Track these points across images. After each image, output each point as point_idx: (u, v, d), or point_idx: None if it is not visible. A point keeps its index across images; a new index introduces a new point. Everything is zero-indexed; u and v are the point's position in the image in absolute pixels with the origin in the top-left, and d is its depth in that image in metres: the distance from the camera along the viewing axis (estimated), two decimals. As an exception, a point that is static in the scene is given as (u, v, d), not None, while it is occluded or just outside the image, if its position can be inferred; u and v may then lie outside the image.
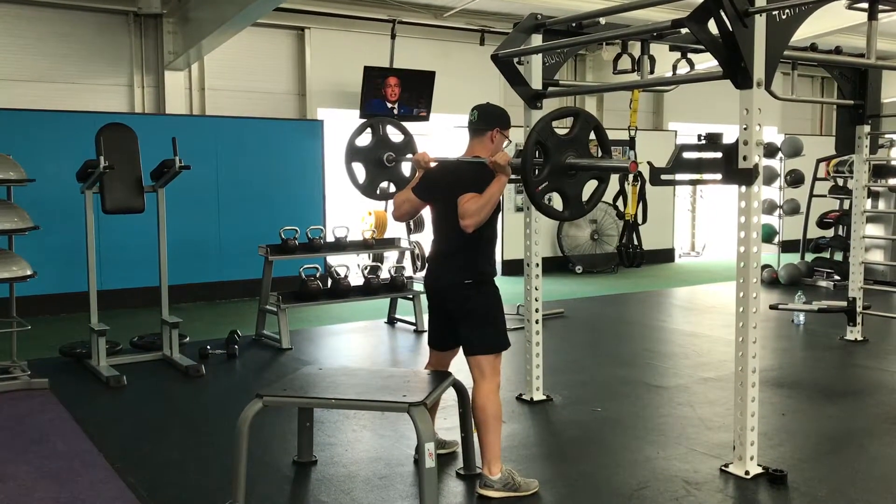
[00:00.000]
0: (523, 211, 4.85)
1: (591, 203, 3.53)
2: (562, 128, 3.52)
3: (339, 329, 7.46)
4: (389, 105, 9.99)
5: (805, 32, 5.79)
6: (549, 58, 4.87)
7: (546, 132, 3.30)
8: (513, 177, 3.52)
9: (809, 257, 10.20)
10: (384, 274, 7.46)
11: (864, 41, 5.67)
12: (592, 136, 3.47)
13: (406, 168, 4.51)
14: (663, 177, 3.63)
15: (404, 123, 4.79)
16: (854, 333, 6.59)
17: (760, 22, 3.46)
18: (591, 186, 3.49)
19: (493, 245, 3.67)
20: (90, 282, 5.72)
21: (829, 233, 10.14)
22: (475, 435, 3.72)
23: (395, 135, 4.62)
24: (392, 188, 4.56)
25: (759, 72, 3.50)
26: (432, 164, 3.81)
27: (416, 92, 10.12)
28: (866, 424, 4.52)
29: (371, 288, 7.08)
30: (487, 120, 3.66)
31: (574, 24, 4.77)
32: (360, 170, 4.54)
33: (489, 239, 3.63)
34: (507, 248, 10.43)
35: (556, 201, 3.59)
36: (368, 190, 4.59)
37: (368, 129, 4.52)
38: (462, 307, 3.55)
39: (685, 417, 4.62)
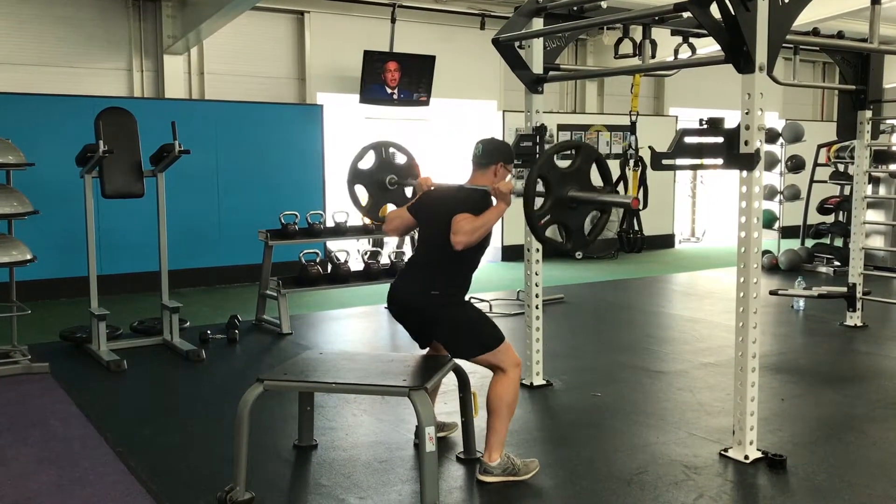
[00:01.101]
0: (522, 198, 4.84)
1: (593, 234, 3.55)
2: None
3: (340, 314, 7.46)
4: (389, 90, 9.97)
5: (807, 17, 5.77)
6: (550, 42, 4.85)
7: (548, 166, 3.32)
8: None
9: (810, 243, 10.19)
10: (384, 259, 7.47)
11: (866, 26, 5.64)
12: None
13: (409, 190, 4.51)
14: (664, 162, 3.62)
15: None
16: (854, 319, 6.59)
17: (763, 6, 3.44)
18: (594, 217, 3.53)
19: (470, 271, 3.64)
20: (90, 266, 5.72)
21: (830, 218, 10.12)
22: (476, 419, 3.73)
23: (398, 156, 4.61)
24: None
25: (761, 56, 3.48)
26: (433, 188, 3.82)
27: (417, 76, 10.09)
28: (865, 410, 4.53)
29: (371, 273, 7.08)
30: (491, 154, 3.67)
31: (575, 8, 4.75)
32: (362, 192, 4.54)
33: (471, 263, 3.60)
34: (507, 233, 10.43)
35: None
36: (372, 213, 4.60)
37: (371, 152, 4.52)
38: (427, 316, 3.51)
39: (685, 402, 4.63)
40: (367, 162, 4.47)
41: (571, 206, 3.39)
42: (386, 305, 3.69)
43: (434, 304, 3.49)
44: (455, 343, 3.53)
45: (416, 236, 3.78)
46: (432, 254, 3.59)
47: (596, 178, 3.46)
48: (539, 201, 3.36)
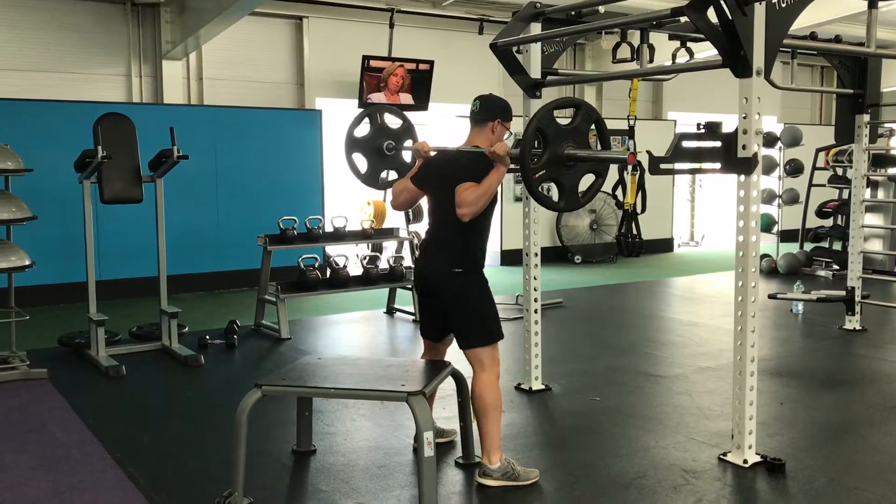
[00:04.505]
0: (522, 201, 4.84)
1: (587, 196, 3.52)
2: (563, 117, 3.50)
3: (338, 319, 7.46)
4: (387, 95, 9.97)
5: (805, 21, 5.77)
6: (548, 46, 4.85)
7: (547, 120, 3.29)
8: (512, 166, 3.52)
9: (808, 247, 10.20)
10: (383, 264, 7.46)
11: (863, 30, 5.65)
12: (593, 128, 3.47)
13: (407, 155, 4.49)
14: (662, 166, 3.62)
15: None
16: (853, 323, 6.59)
17: (760, 10, 3.44)
18: (588, 180, 3.48)
19: (485, 236, 3.66)
20: (88, 272, 5.71)
21: (829, 222, 10.14)
22: (474, 424, 3.73)
23: (393, 122, 4.60)
24: (394, 176, 4.54)
25: (758, 60, 3.49)
26: (432, 153, 3.80)
27: (415, 81, 10.09)
28: (864, 413, 4.53)
29: (370, 278, 7.08)
30: (490, 110, 3.67)
31: (573, 13, 4.75)
32: (360, 160, 4.52)
33: (482, 230, 3.62)
34: (507, 238, 10.43)
35: (554, 193, 3.58)
36: (371, 180, 4.57)
37: (366, 119, 4.50)
38: (451, 296, 3.54)
39: (684, 406, 4.63)
40: (363, 130, 4.45)
41: (568, 165, 3.37)
42: (411, 286, 3.68)
43: (459, 283, 3.52)
44: (467, 328, 3.55)
45: (428, 212, 3.75)
46: (445, 231, 3.59)
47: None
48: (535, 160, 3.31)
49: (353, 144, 4.45)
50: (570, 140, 3.36)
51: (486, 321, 3.56)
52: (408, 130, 4.53)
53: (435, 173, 3.67)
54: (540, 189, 3.41)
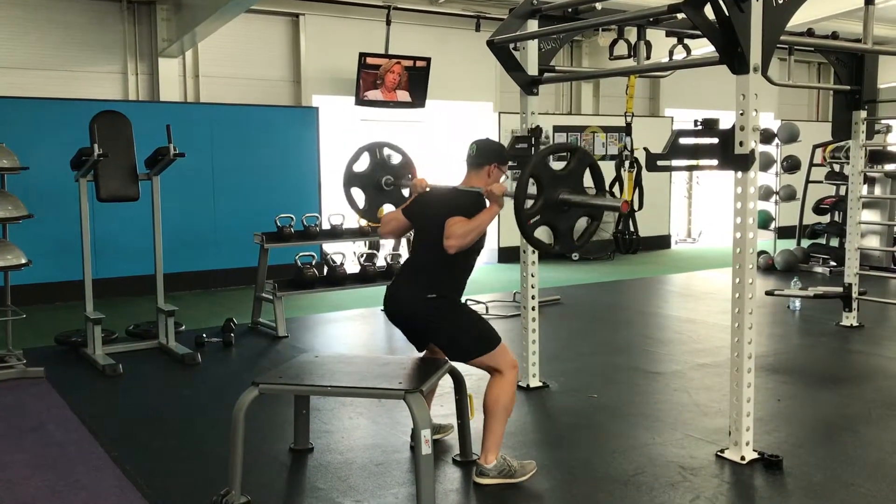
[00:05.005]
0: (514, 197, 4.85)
1: (581, 239, 3.53)
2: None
3: (336, 317, 7.46)
4: (384, 92, 9.96)
5: (802, 17, 5.76)
6: (545, 43, 4.85)
7: (541, 167, 3.31)
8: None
9: (806, 243, 10.20)
10: (380, 261, 7.45)
11: (860, 26, 5.65)
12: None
13: (406, 191, 4.50)
14: (659, 163, 3.62)
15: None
16: (850, 319, 6.60)
17: (757, 7, 3.44)
18: (583, 223, 3.50)
19: (466, 274, 3.64)
20: (85, 270, 5.70)
21: (826, 219, 10.14)
22: (472, 421, 3.73)
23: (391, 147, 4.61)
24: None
25: (755, 57, 3.48)
26: (428, 189, 3.82)
27: (412, 78, 10.08)
28: (862, 410, 4.53)
29: (367, 275, 7.07)
30: (485, 155, 3.67)
31: (570, 10, 4.75)
32: (359, 194, 4.53)
33: (465, 267, 3.60)
34: (504, 235, 10.42)
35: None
36: (369, 214, 4.60)
37: (366, 154, 4.50)
38: (423, 321, 3.48)
39: (681, 403, 4.63)
40: (363, 164, 4.46)
41: (562, 209, 3.39)
42: (382, 308, 3.68)
43: (429, 308, 3.48)
44: (452, 346, 3.52)
45: (412, 238, 3.76)
46: (427, 257, 3.58)
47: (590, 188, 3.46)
48: (530, 205, 3.35)
49: (351, 179, 4.46)
50: (564, 185, 3.37)
51: (472, 331, 3.52)
52: (407, 165, 4.54)
53: (427, 208, 3.67)
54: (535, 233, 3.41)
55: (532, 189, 3.32)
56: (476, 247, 3.53)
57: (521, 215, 3.29)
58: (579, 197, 3.38)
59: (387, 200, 4.51)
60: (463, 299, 3.68)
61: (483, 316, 3.70)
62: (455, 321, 3.51)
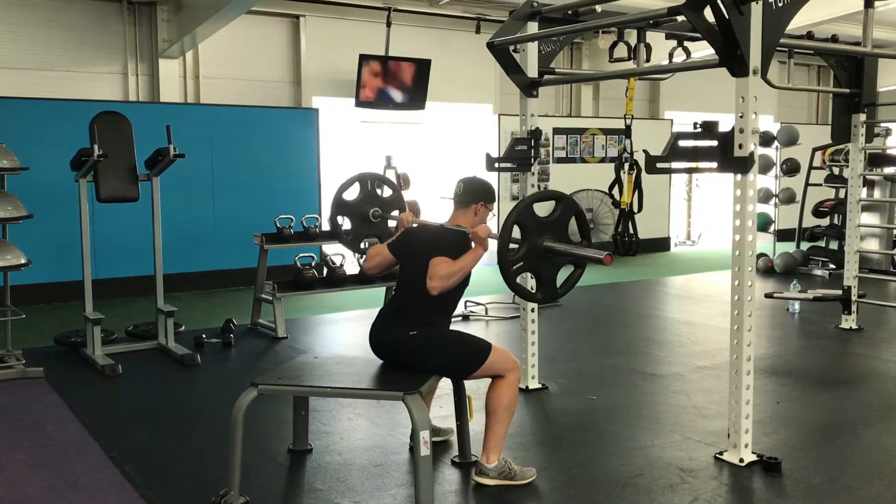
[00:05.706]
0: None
1: (564, 287, 3.48)
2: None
3: (335, 318, 7.46)
4: (385, 94, 9.96)
5: (801, 20, 5.78)
6: (545, 46, 4.85)
7: (526, 214, 3.27)
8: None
9: (805, 246, 10.21)
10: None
11: (860, 29, 5.66)
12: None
13: (392, 224, 4.50)
14: (659, 165, 3.62)
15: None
16: (849, 322, 6.60)
17: (757, 10, 3.45)
18: (567, 270, 3.47)
19: (449, 312, 3.62)
20: (85, 270, 5.70)
21: (825, 221, 10.15)
22: (471, 423, 3.73)
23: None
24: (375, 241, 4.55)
25: (755, 60, 3.49)
26: (415, 225, 3.81)
27: (412, 80, 10.08)
28: (860, 412, 4.54)
29: (366, 277, 7.06)
30: (473, 194, 3.66)
31: (570, 12, 4.75)
32: (345, 223, 4.55)
33: (447, 306, 3.58)
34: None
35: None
36: (352, 244, 4.62)
37: (357, 184, 4.52)
38: (408, 355, 3.44)
39: (680, 406, 4.63)
40: (353, 193, 4.48)
41: (546, 256, 3.34)
42: (369, 342, 3.63)
43: (411, 345, 3.42)
44: (445, 372, 3.53)
45: (397, 274, 3.73)
46: (410, 294, 3.54)
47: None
48: (514, 249, 3.30)
49: (339, 207, 4.48)
50: (548, 233, 3.32)
51: (457, 352, 3.48)
52: (397, 200, 4.54)
53: (412, 244, 3.65)
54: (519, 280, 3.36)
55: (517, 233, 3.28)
56: (460, 285, 3.50)
57: (504, 261, 3.23)
58: (563, 246, 3.32)
59: (372, 232, 4.52)
60: (460, 305, 3.65)
61: (463, 332, 3.64)
62: (438, 350, 3.45)
